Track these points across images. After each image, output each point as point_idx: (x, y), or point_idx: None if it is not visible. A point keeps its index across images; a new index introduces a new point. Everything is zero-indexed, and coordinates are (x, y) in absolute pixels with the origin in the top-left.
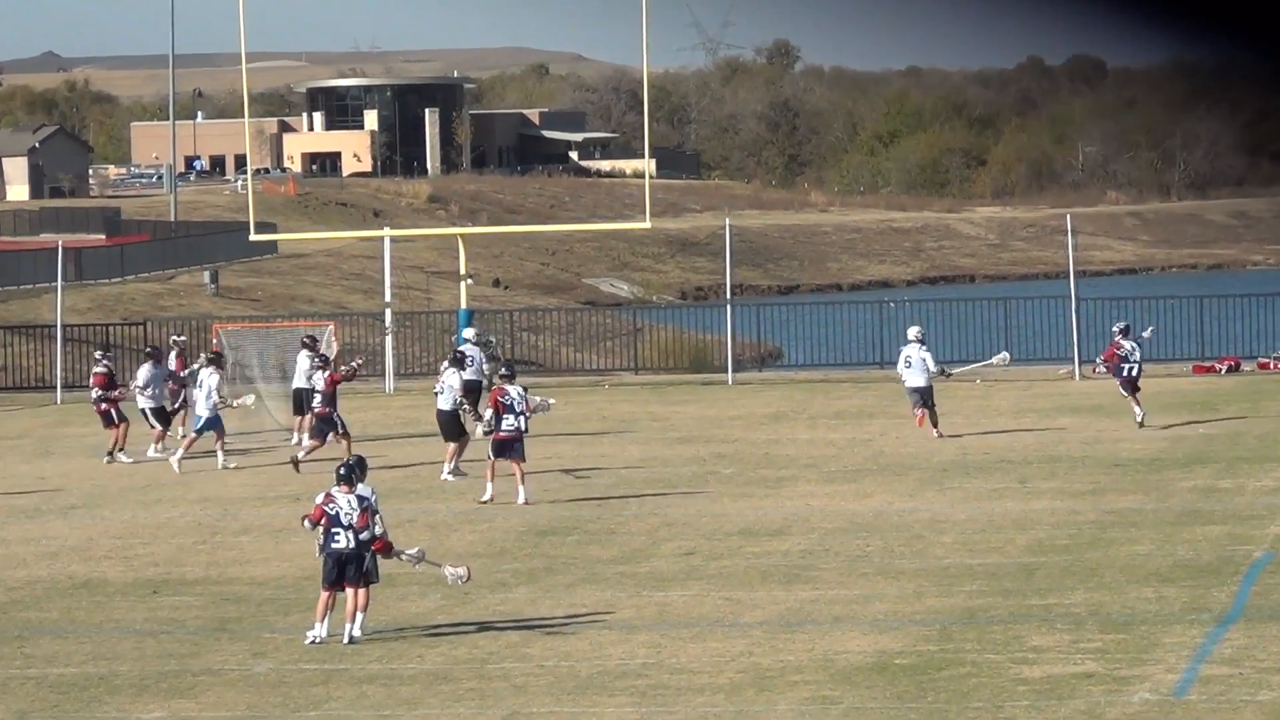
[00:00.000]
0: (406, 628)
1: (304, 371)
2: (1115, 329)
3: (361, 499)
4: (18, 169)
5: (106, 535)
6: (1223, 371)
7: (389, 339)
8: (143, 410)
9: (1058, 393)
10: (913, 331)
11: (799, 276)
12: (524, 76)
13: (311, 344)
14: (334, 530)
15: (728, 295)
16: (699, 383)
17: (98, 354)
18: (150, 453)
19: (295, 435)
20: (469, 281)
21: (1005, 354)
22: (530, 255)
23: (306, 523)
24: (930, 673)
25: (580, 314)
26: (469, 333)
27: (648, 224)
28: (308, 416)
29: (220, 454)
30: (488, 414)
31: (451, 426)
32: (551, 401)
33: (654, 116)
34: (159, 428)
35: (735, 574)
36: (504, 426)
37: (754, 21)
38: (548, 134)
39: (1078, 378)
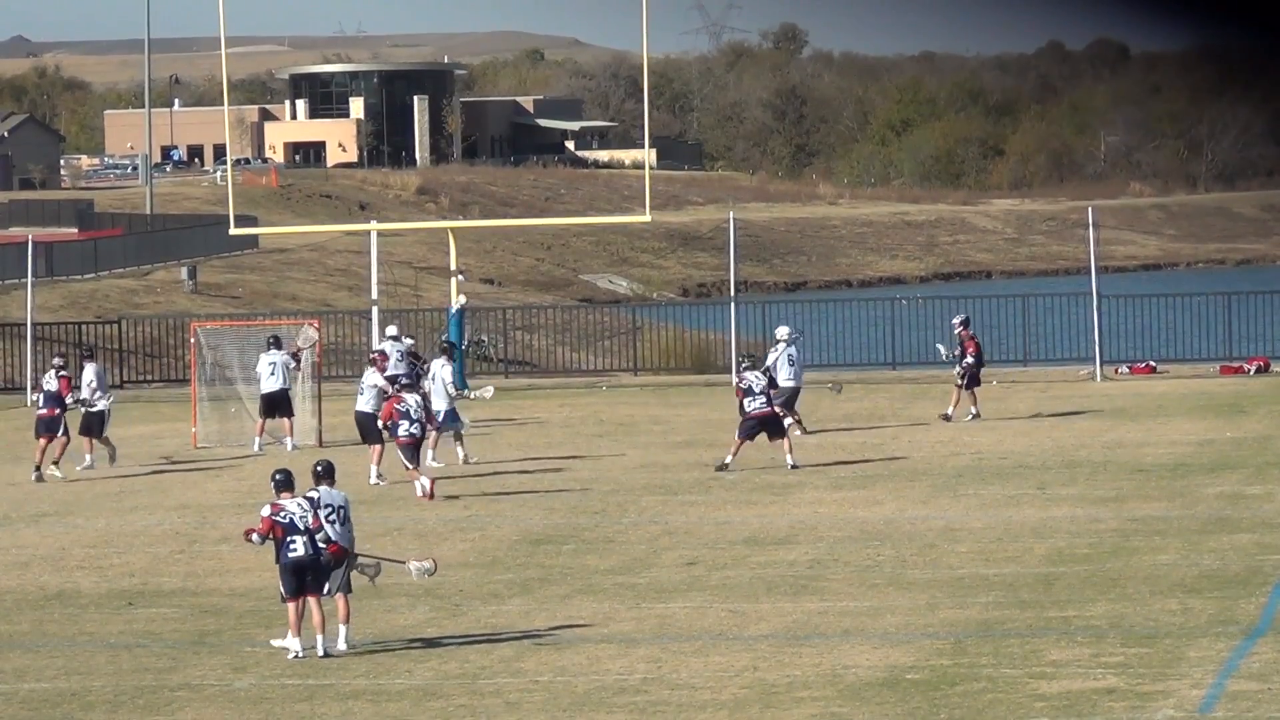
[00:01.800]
0: (394, 641)
1: (279, 372)
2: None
3: (309, 499)
4: None
5: (79, 544)
6: (1251, 372)
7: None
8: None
9: (1078, 394)
10: (783, 331)
11: (806, 272)
12: (517, 62)
13: (277, 343)
14: (289, 539)
15: (732, 292)
16: (701, 384)
17: (57, 361)
18: (81, 466)
19: (257, 441)
20: (460, 278)
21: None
22: (524, 250)
23: (255, 537)
24: (944, 688)
25: (577, 312)
26: (391, 330)
27: (648, 217)
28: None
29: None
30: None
31: (369, 428)
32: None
33: (654, 104)
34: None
35: (740, 585)
36: (400, 433)
37: (760, 4)
38: (542, 123)
39: (1099, 379)
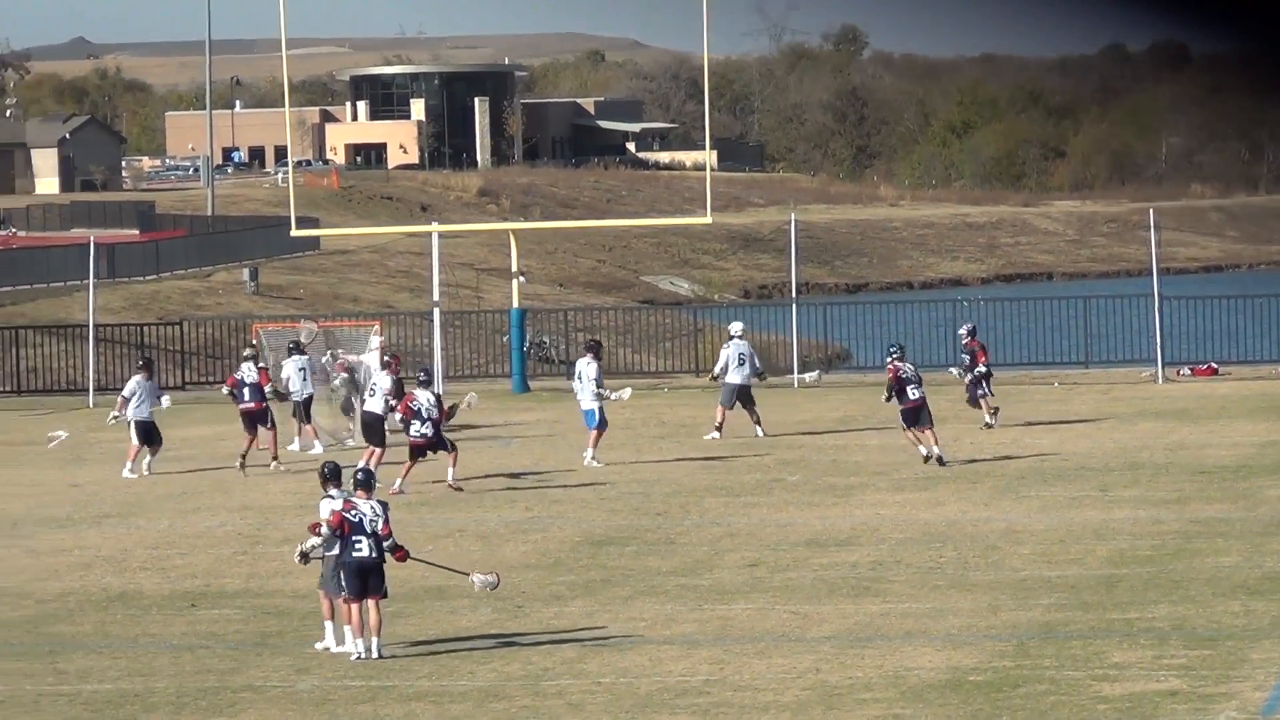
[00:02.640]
0: (457, 642)
1: (300, 377)
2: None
3: (384, 504)
4: (47, 161)
5: (142, 545)
6: None
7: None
8: (130, 423)
9: (1140, 396)
10: (736, 327)
11: (867, 274)
12: (578, 64)
13: (299, 349)
14: (355, 538)
15: (793, 294)
16: (762, 385)
17: (249, 352)
18: (125, 472)
19: (297, 441)
20: (522, 280)
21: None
22: (585, 252)
23: (324, 529)
24: (1006, 690)
25: (638, 313)
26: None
27: (709, 219)
28: (311, 424)
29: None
30: (396, 417)
31: (375, 429)
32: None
33: (715, 106)
34: (137, 444)
35: (801, 586)
36: (412, 432)
37: (820, 5)
38: (603, 124)
39: (1160, 380)
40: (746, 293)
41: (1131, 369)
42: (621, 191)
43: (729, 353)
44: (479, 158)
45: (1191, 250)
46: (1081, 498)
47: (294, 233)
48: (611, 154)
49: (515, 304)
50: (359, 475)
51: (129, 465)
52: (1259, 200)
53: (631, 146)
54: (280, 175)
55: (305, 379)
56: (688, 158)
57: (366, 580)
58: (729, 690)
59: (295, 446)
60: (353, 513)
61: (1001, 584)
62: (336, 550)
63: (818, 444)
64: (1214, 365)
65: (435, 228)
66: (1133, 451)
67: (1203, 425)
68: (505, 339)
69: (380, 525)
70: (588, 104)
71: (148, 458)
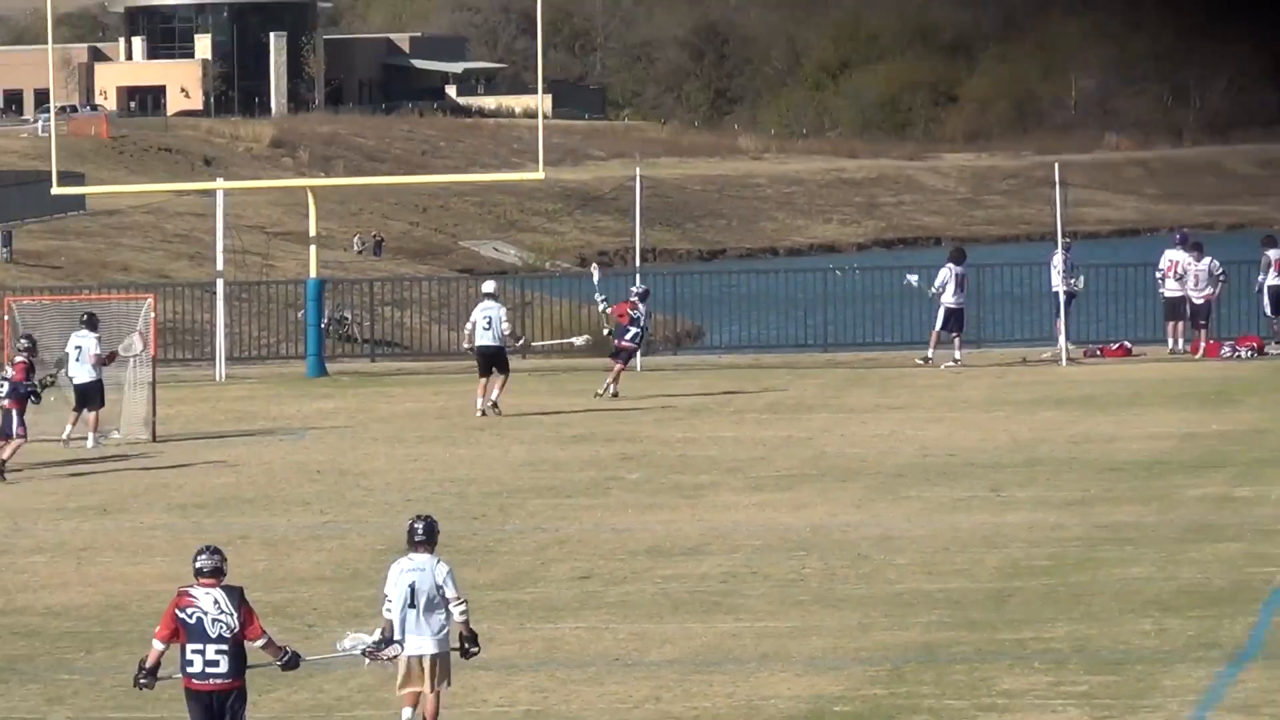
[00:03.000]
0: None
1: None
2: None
3: (231, 591)
4: None
5: None
6: (1244, 355)
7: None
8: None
9: (1040, 380)
10: (489, 285)
11: (725, 239)
12: None
13: (92, 323)
14: (191, 647)
15: (637, 262)
16: (600, 369)
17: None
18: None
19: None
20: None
21: (587, 336)
22: (396, 213)
23: (156, 643)
24: None
25: (456, 284)
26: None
27: (540, 174)
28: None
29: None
30: None
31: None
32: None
33: (550, 43)
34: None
35: (641, 602)
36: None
37: None
38: (419, 64)
39: (1064, 362)
40: (584, 260)
41: (1031, 349)
42: (439, 143)
43: (476, 315)
44: (273, 103)
45: (1104, 211)
46: (969, 499)
47: (55, 190)
48: (428, 99)
49: (313, 273)
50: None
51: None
52: (1183, 153)
53: (452, 91)
54: (41, 123)
55: (80, 359)
56: (517, 103)
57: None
58: None
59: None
60: (189, 610)
61: (874, 599)
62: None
63: (663, 436)
64: (1127, 345)
65: (220, 185)
66: (1030, 445)
67: (1112, 414)
68: (300, 314)
69: (231, 624)
70: (401, 40)
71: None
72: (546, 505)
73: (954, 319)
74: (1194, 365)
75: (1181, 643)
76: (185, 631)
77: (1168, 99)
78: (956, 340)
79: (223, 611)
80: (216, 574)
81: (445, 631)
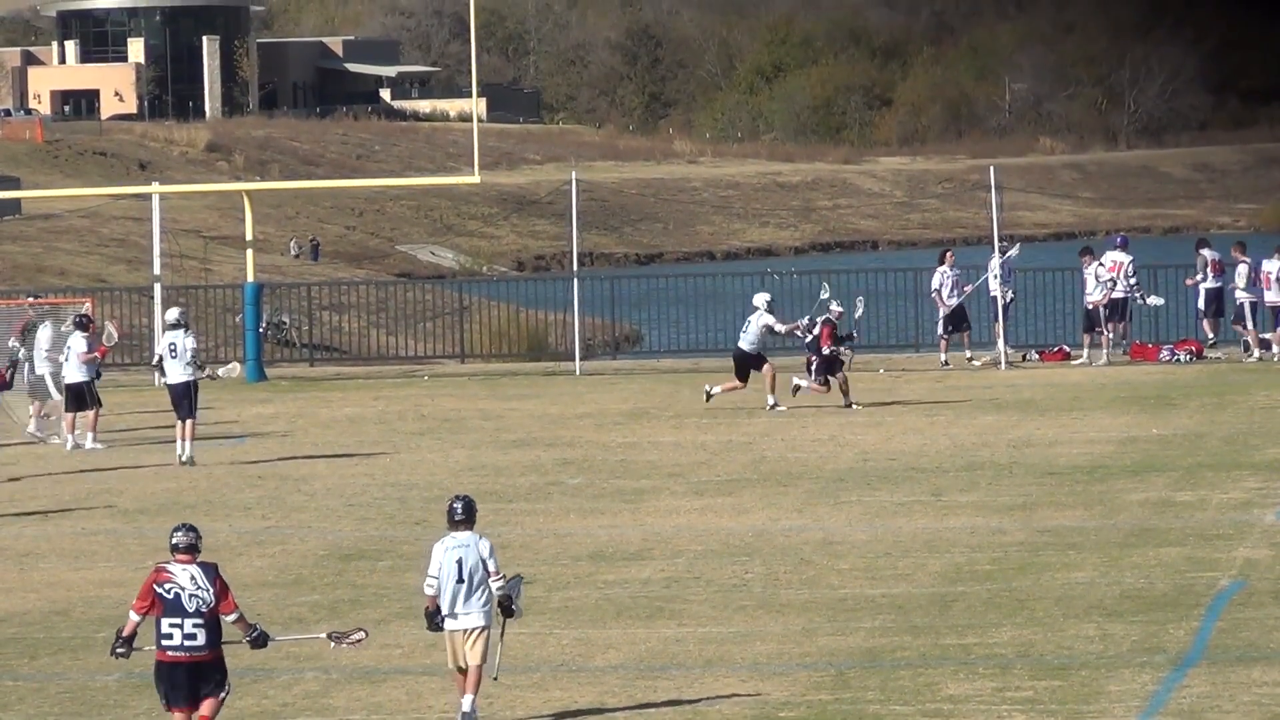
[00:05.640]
0: None
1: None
2: None
3: (206, 567)
4: None
5: None
6: (1184, 359)
7: None
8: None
9: (979, 385)
10: (174, 314)
11: (662, 242)
12: None
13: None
14: (169, 621)
15: (574, 266)
16: (539, 373)
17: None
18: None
19: (69, 436)
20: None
21: (236, 364)
22: (332, 217)
23: (132, 614)
24: None
25: (393, 289)
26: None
27: (476, 178)
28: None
29: None
30: None
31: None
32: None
33: (484, 46)
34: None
35: (584, 607)
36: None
37: None
38: (353, 68)
39: (1003, 366)
40: (521, 264)
41: (970, 352)
42: (374, 146)
43: (162, 346)
44: (208, 107)
45: (1039, 215)
46: (911, 504)
47: None
48: (363, 102)
49: (250, 278)
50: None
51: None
52: (1118, 156)
53: (386, 94)
54: None
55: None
56: (452, 107)
57: (194, 686)
58: None
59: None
60: (166, 585)
61: (817, 604)
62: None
63: (603, 441)
64: (1065, 349)
65: (156, 189)
66: (971, 450)
67: (1052, 418)
68: (238, 319)
69: (208, 599)
70: (335, 44)
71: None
72: (488, 510)
73: (957, 319)
74: (1133, 370)
75: (1126, 648)
76: (162, 606)
77: (1102, 102)
78: (965, 339)
79: (199, 587)
80: (192, 550)
81: (490, 606)
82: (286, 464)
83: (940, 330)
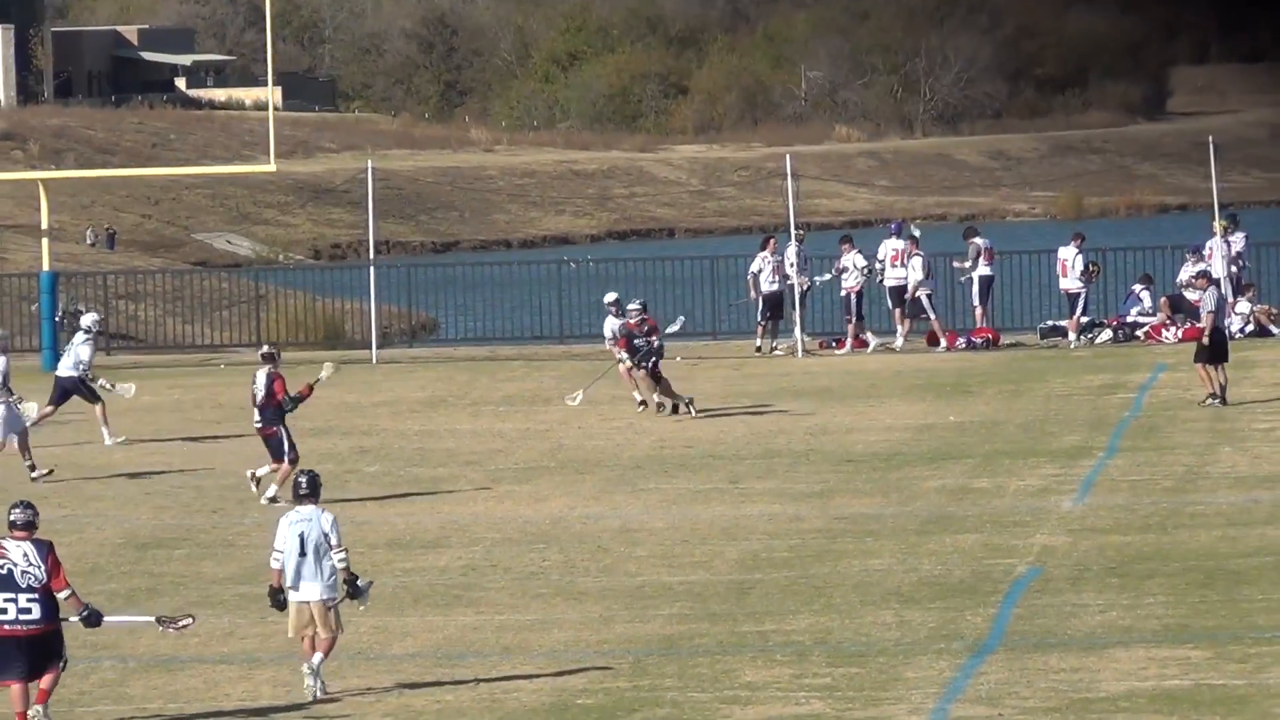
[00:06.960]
0: None
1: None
2: None
3: (39, 544)
4: None
5: None
6: (979, 345)
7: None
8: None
9: (776, 372)
10: (88, 320)
11: (458, 230)
12: None
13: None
14: (3, 596)
15: (371, 254)
16: (335, 361)
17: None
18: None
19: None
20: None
21: (130, 385)
22: (128, 205)
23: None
24: (620, 715)
25: (189, 277)
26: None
27: (272, 166)
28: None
29: None
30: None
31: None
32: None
33: (279, 35)
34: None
35: (381, 595)
36: None
37: None
38: (148, 56)
39: (800, 354)
40: (317, 252)
41: (775, 341)
42: (170, 135)
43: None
44: (1, 96)
45: (836, 202)
46: (708, 491)
47: None
48: (158, 91)
49: (45, 266)
50: (14, 512)
51: None
52: (914, 144)
53: (181, 83)
54: None
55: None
56: (247, 95)
57: (33, 659)
58: (297, 716)
59: None
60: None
61: (615, 591)
62: None
63: (399, 429)
64: (863, 336)
65: None
66: (768, 437)
67: (849, 406)
68: (34, 307)
69: (39, 575)
70: (130, 32)
71: None
72: (284, 498)
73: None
74: (930, 357)
75: (923, 634)
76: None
77: (897, 90)
78: (775, 327)
79: (31, 564)
80: (29, 527)
81: (334, 579)
82: (82, 450)
83: (759, 316)
